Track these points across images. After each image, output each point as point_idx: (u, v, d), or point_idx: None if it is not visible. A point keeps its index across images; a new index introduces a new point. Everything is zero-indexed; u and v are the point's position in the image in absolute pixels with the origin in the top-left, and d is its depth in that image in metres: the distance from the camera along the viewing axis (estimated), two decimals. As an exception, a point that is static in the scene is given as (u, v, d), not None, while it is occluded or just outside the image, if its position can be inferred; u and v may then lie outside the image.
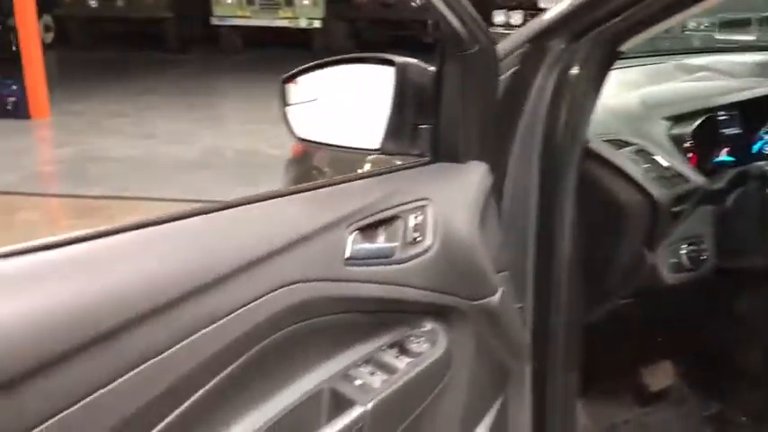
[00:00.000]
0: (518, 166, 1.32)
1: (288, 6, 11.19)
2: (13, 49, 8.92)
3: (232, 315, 0.80)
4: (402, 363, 0.99)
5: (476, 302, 1.08)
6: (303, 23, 11.25)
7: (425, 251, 1.02)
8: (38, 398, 0.66)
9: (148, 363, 0.73)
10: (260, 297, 0.83)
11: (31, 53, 7.51)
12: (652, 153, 1.45)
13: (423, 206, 1.04)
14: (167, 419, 0.76)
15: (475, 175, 1.13)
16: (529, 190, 1.34)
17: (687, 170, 1.47)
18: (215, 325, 0.79)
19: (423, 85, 1.14)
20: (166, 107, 8.12)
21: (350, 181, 1.08)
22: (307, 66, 1.25)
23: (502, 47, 1.34)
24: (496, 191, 1.32)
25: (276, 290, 0.85)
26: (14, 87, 7.31)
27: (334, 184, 1.06)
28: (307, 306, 0.89)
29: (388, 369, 0.98)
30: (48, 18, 11.70)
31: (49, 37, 12.50)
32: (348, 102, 1.24)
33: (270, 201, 0.96)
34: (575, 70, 1.27)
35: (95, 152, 6.19)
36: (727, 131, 1.61)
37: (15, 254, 0.72)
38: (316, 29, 11.31)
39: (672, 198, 1.39)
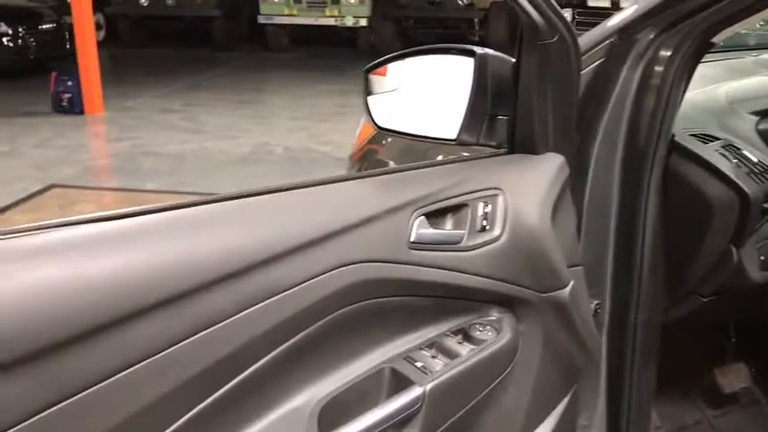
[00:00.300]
0: (601, 159, 1.30)
1: (334, 5, 11.25)
2: (68, 46, 9.20)
3: (295, 289, 0.82)
4: (465, 349, 0.99)
5: (545, 295, 1.06)
6: (349, 22, 11.29)
7: (494, 240, 1.01)
8: (111, 351, 0.70)
9: (210, 329, 0.76)
10: (322, 274, 0.84)
11: (86, 51, 7.66)
12: (740, 148, 1.41)
13: (493, 195, 1.03)
14: (228, 385, 0.78)
15: (550, 167, 1.11)
16: (611, 184, 1.32)
17: None
18: (277, 297, 0.80)
19: (502, 75, 1.13)
20: (216, 103, 8.23)
21: (419, 168, 1.07)
22: (389, 56, 1.26)
23: (586, 39, 1.33)
24: (578, 184, 1.30)
25: (339, 268, 0.86)
26: (70, 83, 7.47)
27: (403, 170, 1.05)
28: (369, 286, 0.90)
29: (450, 354, 0.98)
30: (99, 16, 11.95)
31: (101, 35, 12.78)
32: (428, 92, 1.24)
33: (337, 183, 0.97)
34: (662, 62, 1.24)
35: (148, 147, 6.30)
36: None
37: (97, 220, 0.77)
38: (362, 27, 11.34)
39: (763, 194, 1.35)
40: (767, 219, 1.40)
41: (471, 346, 1.00)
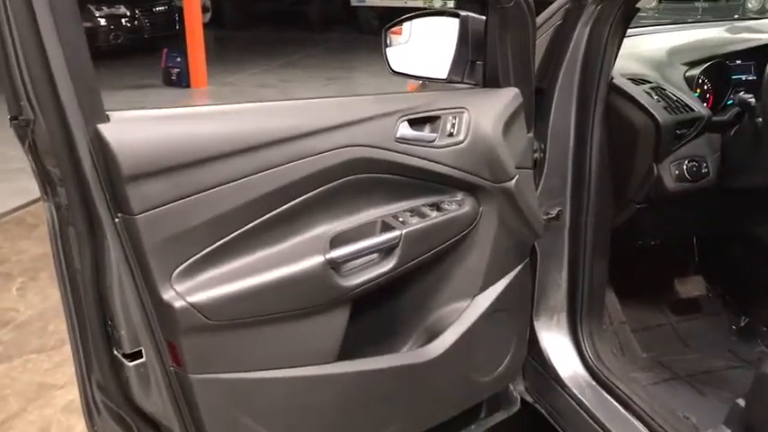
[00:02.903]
0: (561, 98, 1.74)
1: (422, -12, 11.70)
2: (177, 27, 10.07)
3: (316, 156, 1.28)
4: (434, 213, 1.44)
5: (497, 184, 1.50)
6: (437, 4, 11.69)
7: (459, 143, 1.45)
8: (214, 173, 1.16)
9: (267, 171, 1.22)
10: (334, 149, 1.30)
11: (193, 30, 8.43)
12: (665, 89, 1.81)
13: (460, 112, 1.47)
14: (275, 211, 1.24)
15: (506, 96, 1.55)
16: (569, 117, 1.76)
17: (693, 103, 1.82)
18: (306, 159, 1.27)
19: (478, 31, 1.58)
20: (308, 80, 8.87)
21: (407, 93, 1.52)
22: (402, 18, 1.74)
23: (551, 6, 1.77)
24: (543, 118, 1.74)
25: (345, 147, 1.31)
26: (178, 59, 8.27)
27: (395, 93, 1.52)
28: (367, 162, 1.35)
29: (423, 216, 1.43)
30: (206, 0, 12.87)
31: (207, 17, 13.67)
32: (428, 43, 1.72)
33: (347, 98, 1.43)
34: (603, 22, 1.67)
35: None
36: (741, 76, 1.93)
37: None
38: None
39: (674, 122, 1.76)
40: (680, 143, 1.80)
41: (439, 212, 1.48)
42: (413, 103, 1.46)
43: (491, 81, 1.60)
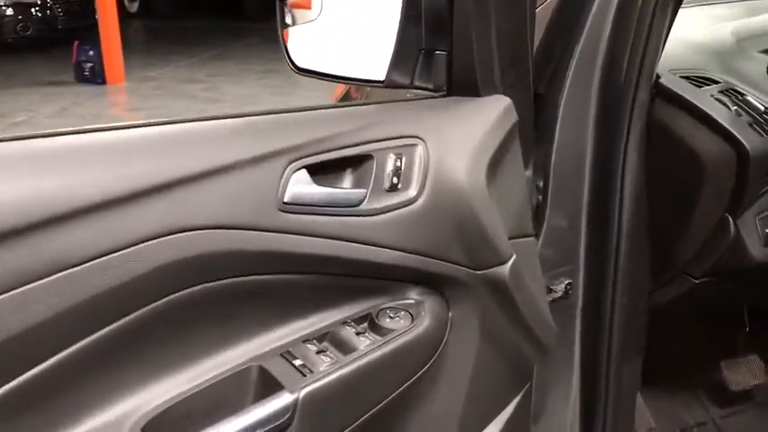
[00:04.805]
0: (571, 105, 1.07)
1: (365, -27, 11.04)
2: (95, 16, 9.18)
3: (100, 260, 0.61)
4: (365, 341, 0.78)
5: (479, 272, 0.84)
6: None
7: (408, 203, 0.79)
8: None
9: None
10: (145, 241, 0.63)
11: (107, 18, 7.65)
12: (744, 93, 1.15)
13: (410, 146, 0.81)
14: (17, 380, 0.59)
15: (489, 112, 0.87)
16: (584, 136, 1.08)
17: None
18: (74, 270, 0.60)
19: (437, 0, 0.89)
20: (239, 74, 8.13)
21: (311, 110, 0.84)
22: (307, -21, 1.04)
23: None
24: (543, 136, 1.07)
25: (172, 234, 0.64)
26: (91, 53, 7.42)
27: (288, 112, 0.82)
28: (223, 260, 0.69)
29: (344, 348, 0.77)
30: (133, -13, 11.99)
31: (134, 6, 12.80)
32: (353, 21, 1.02)
33: (190, 124, 0.73)
34: None
35: (163, 117, 6.19)
36: None
37: None
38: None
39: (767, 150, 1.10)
40: None
41: (376, 337, 0.79)
42: (315, 131, 0.77)
43: (463, 84, 0.91)
